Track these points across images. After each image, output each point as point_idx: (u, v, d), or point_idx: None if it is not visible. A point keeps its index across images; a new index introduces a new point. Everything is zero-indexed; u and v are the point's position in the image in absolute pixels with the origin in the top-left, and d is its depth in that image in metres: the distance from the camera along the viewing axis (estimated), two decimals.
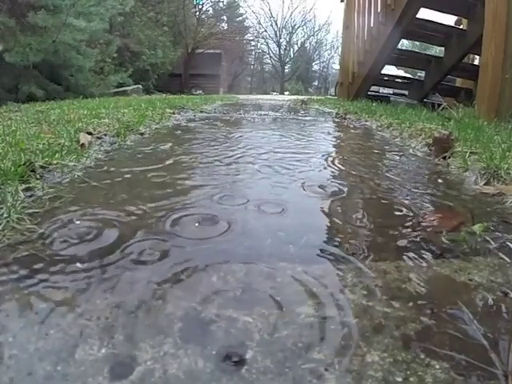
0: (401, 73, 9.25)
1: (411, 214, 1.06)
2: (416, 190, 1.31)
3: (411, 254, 0.82)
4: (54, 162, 1.36)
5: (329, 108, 5.18)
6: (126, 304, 0.61)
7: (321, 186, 1.29)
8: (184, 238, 0.86)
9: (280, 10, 55.87)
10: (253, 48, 29.73)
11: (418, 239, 0.89)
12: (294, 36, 33.47)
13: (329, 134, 2.87)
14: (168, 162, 1.59)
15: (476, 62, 6.08)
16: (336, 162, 1.70)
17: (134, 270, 0.72)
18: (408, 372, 0.50)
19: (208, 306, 0.61)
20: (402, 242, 0.88)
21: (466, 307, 0.63)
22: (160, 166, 1.52)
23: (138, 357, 0.51)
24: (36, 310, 0.59)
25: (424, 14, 5.15)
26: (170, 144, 2.00)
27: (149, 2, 14.92)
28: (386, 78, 7.10)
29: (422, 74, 7.11)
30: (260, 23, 32.02)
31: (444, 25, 5.56)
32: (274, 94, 24.88)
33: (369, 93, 6.62)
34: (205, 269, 0.73)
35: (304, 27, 34.14)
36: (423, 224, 0.98)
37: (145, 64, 13.19)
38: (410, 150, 2.06)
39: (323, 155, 1.84)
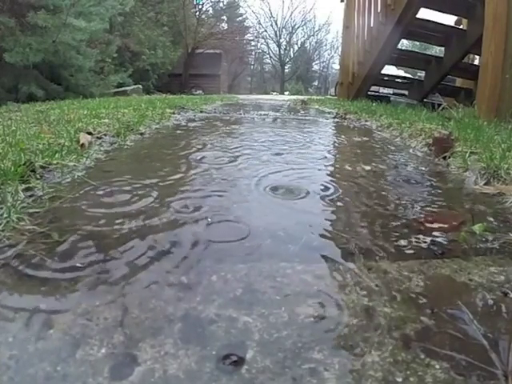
0: (401, 73, 9.25)
1: (411, 214, 1.06)
2: (415, 190, 1.31)
3: (411, 254, 0.82)
4: (54, 162, 1.36)
5: (329, 108, 5.17)
6: None
7: (321, 185, 1.30)
8: None
9: (280, 10, 56.06)
10: (253, 48, 29.74)
11: (417, 239, 0.89)
12: (294, 36, 33.51)
13: (328, 134, 2.87)
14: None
15: (476, 62, 6.08)
16: (336, 162, 1.69)
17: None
18: (408, 372, 0.50)
19: None
20: (402, 242, 0.88)
21: (466, 307, 0.63)
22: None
23: None
24: None
25: (424, 14, 5.16)
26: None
27: (149, 2, 14.92)
28: (386, 78, 7.10)
29: (422, 74, 7.11)
30: (260, 23, 32.14)
31: (444, 25, 5.56)
32: (274, 94, 24.85)
33: (369, 93, 6.62)
34: None
35: (304, 27, 34.23)
36: (423, 224, 0.98)
37: (145, 64, 13.20)
38: (410, 150, 2.06)
39: (322, 156, 1.84)
